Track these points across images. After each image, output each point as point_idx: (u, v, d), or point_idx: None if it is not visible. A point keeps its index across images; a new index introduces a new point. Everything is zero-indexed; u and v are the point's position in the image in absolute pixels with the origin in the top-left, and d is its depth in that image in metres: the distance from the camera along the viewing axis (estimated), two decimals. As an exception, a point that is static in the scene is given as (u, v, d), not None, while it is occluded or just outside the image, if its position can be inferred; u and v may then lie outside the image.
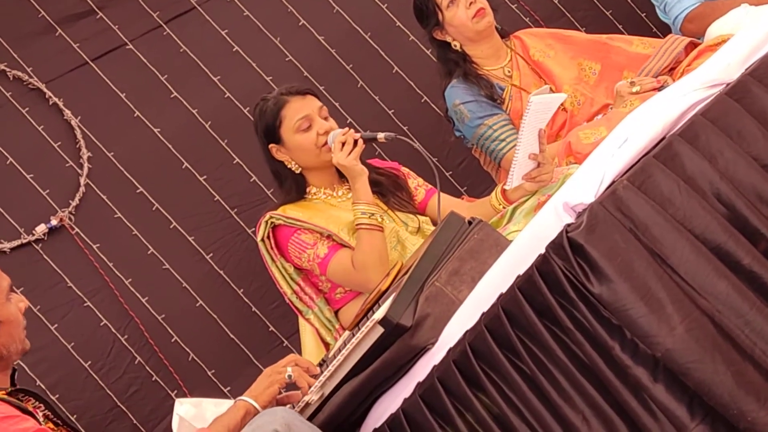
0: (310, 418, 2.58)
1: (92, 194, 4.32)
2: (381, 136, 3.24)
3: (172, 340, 4.24)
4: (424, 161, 3.27)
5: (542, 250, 2.20)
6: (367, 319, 2.60)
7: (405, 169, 3.55)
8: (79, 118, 4.38)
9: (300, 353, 3.43)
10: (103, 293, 4.21)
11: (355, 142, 3.21)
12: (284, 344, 4.30)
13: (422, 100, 4.72)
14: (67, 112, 4.37)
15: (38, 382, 4.02)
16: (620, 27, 4.95)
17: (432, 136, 4.49)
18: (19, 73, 4.36)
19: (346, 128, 3.29)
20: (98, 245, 4.26)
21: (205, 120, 4.50)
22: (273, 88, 4.22)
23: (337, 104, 4.51)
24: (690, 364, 2.05)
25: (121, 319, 4.20)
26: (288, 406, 2.63)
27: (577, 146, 3.28)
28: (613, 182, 2.25)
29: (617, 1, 5.03)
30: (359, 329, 2.58)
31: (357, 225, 3.21)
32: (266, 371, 2.63)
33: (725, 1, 3.92)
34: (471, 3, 3.77)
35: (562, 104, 3.60)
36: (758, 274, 2.14)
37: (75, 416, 4.03)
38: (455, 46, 3.85)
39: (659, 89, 3.37)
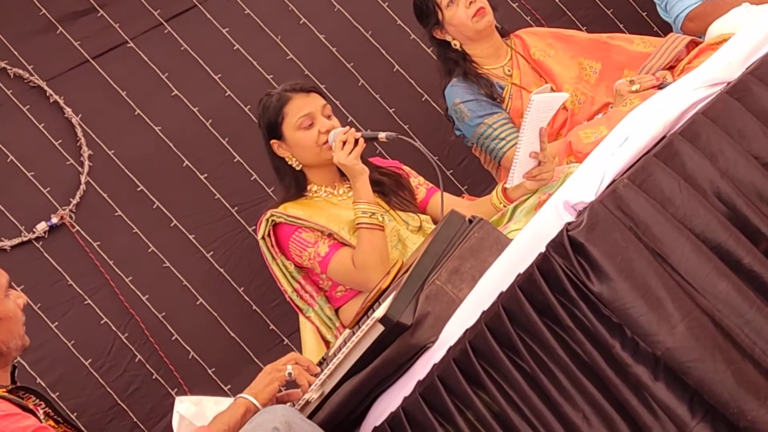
0: (311, 416, 2.58)
1: (93, 192, 4.32)
2: (382, 135, 3.24)
3: (173, 339, 4.24)
4: (424, 160, 3.26)
5: (543, 249, 2.20)
6: (368, 317, 2.60)
7: (406, 168, 3.54)
8: (80, 116, 4.38)
9: (300, 351, 3.43)
10: (104, 291, 4.21)
11: (356, 141, 3.21)
12: (284, 342, 4.30)
13: (423, 99, 4.72)
14: (68, 110, 4.37)
15: (39, 380, 4.02)
16: (621, 26, 4.95)
17: (432, 135, 4.48)
18: (20, 71, 4.36)
19: (347, 127, 3.28)
20: (99, 243, 4.26)
21: (205, 118, 4.50)
22: (274, 86, 4.23)
23: (337, 103, 4.51)
24: (690, 362, 2.05)
25: (122, 317, 4.20)
26: (288, 404, 2.63)
27: (578, 145, 3.28)
28: (613, 181, 2.25)
29: (618, 0, 5.03)
30: (359, 327, 2.58)
31: (358, 224, 3.20)
32: (266, 369, 2.63)
33: (726, -1, 3.92)
34: (471, 2, 3.76)
35: (562, 103, 3.59)
36: (758, 273, 2.14)
37: (75, 414, 4.03)
38: (455, 45, 3.84)
39: (658, 86, 3.36)
